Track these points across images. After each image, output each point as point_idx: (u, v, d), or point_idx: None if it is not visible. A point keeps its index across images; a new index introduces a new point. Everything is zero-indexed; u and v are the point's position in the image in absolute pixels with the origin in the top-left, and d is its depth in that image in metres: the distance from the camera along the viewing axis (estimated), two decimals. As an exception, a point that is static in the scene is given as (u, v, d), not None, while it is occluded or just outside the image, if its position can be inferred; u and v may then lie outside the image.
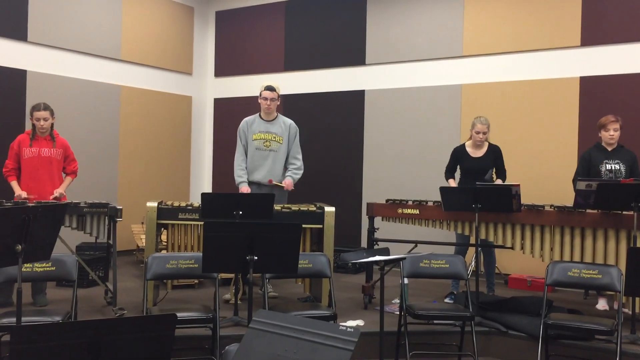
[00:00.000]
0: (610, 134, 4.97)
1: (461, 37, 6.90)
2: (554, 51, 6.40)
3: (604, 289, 4.13)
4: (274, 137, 5.39)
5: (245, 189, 5.32)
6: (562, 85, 6.33)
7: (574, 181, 5.14)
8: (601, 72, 6.16)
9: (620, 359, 3.72)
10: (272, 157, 5.37)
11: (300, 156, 5.47)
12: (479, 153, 5.40)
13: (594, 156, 5.06)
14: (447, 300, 5.31)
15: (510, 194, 4.53)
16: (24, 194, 4.84)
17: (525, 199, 4.76)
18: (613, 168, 4.98)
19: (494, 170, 5.47)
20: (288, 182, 5.32)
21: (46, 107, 4.96)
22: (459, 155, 5.46)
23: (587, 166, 5.09)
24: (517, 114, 6.55)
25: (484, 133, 5.32)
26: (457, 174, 5.61)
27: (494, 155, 5.41)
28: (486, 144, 5.42)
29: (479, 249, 4.74)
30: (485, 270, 5.43)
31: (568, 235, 4.58)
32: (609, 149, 5.02)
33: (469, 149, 5.44)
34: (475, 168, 5.36)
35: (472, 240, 5.05)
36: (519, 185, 4.66)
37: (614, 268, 4.00)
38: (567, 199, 4.93)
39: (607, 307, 5.05)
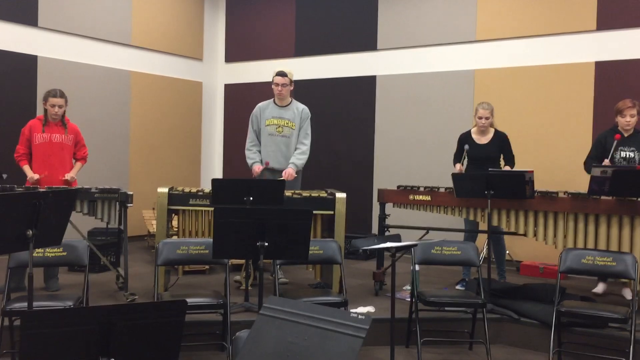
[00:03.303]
0: (627, 120, 4.89)
1: (474, 21, 6.81)
2: (568, 35, 6.30)
3: (618, 276, 4.07)
4: (287, 123, 5.35)
5: (257, 167, 5.30)
6: (577, 70, 6.23)
7: (586, 163, 5.09)
8: (617, 56, 6.05)
9: (634, 346, 3.68)
10: (285, 143, 5.34)
11: (307, 141, 5.38)
12: (484, 140, 5.31)
13: (610, 141, 4.98)
14: (458, 287, 5.29)
15: (524, 180, 4.48)
16: (36, 176, 4.87)
17: (538, 186, 4.70)
18: (627, 156, 4.91)
19: (502, 157, 5.38)
20: (288, 172, 5.21)
21: (62, 95, 4.97)
22: (464, 141, 5.37)
23: (601, 149, 5.01)
24: (531, 99, 6.46)
25: (487, 118, 5.23)
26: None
27: (500, 142, 5.30)
28: (492, 131, 5.33)
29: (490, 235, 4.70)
30: (495, 258, 5.39)
31: (582, 222, 4.52)
32: (625, 134, 4.95)
33: (474, 136, 5.35)
34: (481, 155, 5.25)
35: (482, 227, 5.01)
36: (532, 171, 4.61)
37: (629, 255, 3.95)
38: (581, 185, 4.87)
39: (604, 291, 5.00)
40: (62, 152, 5.03)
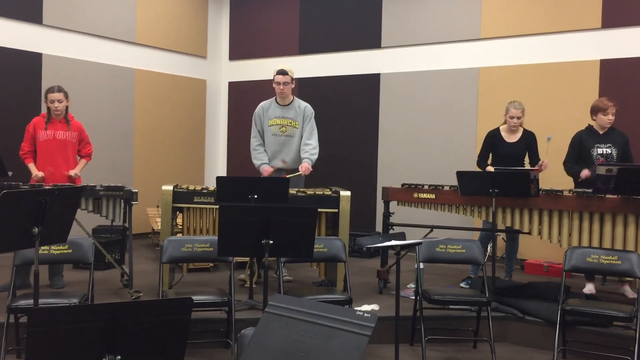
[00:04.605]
0: (609, 118, 4.95)
1: (479, 19, 6.79)
2: (574, 33, 6.27)
3: (623, 275, 4.07)
4: (290, 122, 5.34)
5: (267, 169, 5.28)
6: (582, 68, 6.21)
7: (565, 163, 5.13)
8: (622, 54, 6.03)
9: (639, 345, 3.67)
10: (288, 142, 5.33)
11: (313, 137, 5.36)
12: (513, 138, 5.31)
13: (585, 139, 5.03)
14: (462, 285, 5.29)
15: (529, 178, 4.47)
16: (40, 174, 4.89)
17: (543, 184, 4.69)
18: (605, 152, 4.95)
19: (527, 155, 5.37)
20: (305, 166, 5.23)
21: (60, 90, 4.98)
22: (493, 139, 5.35)
23: (578, 149, 5.06)
24: (536, 97, 6.44)
25: (519, 117, 5.23)
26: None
27: (529, 141, 5.31)
28: (521, 129, 5.33)
29: (505, 234, 4.68)
30: (507, 256, 5.40)
31: (587, 220, 4.51)
32: (601, 132, 4.98)
33: (503, 134, 5.34)
34: (509, 153, 5.26)
35: (500, 227, 4.98)
36: (537, 170, 4.60)
37: (634, 254, 3.95)
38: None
39: (593, 291, 4.96)
40: (65, 149, 5.04)
